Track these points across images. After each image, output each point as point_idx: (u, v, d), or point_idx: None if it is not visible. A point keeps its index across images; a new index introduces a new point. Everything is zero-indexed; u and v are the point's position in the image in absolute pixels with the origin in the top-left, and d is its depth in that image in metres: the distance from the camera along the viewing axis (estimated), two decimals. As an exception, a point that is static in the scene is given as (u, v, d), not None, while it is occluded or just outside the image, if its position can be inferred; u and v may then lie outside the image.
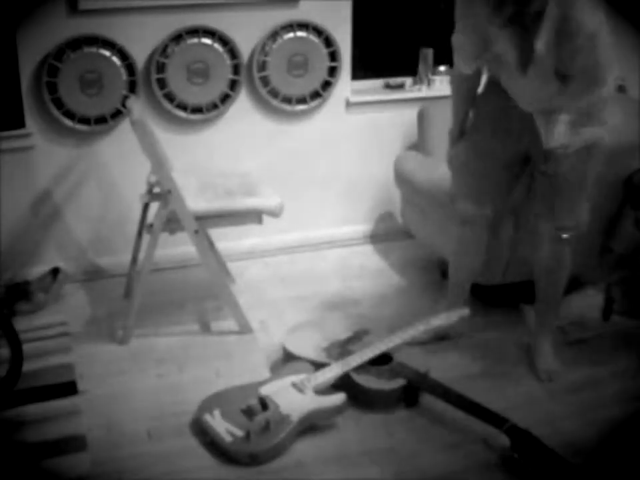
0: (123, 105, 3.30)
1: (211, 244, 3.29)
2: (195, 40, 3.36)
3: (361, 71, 3.83)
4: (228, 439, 2.34)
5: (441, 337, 2.98)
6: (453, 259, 3.01)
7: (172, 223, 2.93)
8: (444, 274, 3.36)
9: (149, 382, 2.75)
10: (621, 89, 3.77)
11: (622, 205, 3.21)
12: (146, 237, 3.05)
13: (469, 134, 2.80)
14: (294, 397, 2.48)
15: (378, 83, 3.95)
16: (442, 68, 3.90)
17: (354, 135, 3.82)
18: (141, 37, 3.31)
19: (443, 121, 3.69)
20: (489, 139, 2.70)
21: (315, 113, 3.72)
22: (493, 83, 2.66)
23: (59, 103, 3.25)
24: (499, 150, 2.69)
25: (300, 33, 3.52)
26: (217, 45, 3.40)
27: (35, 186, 3.37)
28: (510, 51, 2.38)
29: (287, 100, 3.62)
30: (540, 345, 2.85)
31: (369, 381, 2.60)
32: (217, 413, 2.43)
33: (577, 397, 2.66)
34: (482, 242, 2.89)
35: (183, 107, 3.46)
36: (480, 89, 2.77)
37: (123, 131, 3.33)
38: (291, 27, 3.51)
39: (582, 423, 2.51)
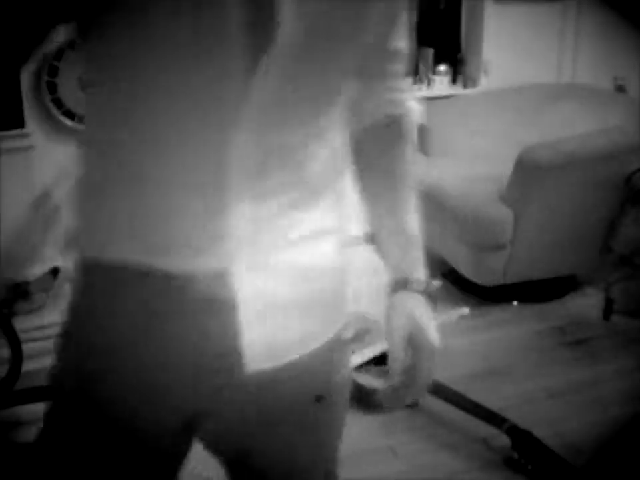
0: (123, 105, 3.29)
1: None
2: (195, 40, 3.36)
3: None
4: (228, 439, 2.34)
5: None
6: None
7: (172, 223, 2.92)
8: (444, 274, 3.35)
9: (149, 382, 2.75)
10: (621, 88, 3.77)
11: (622, 204, 3.21)
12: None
13: None
14: (294, 397, 2.48)
15: (378, 82, 3.95)
16: (442, 68, 3.90)
17: (354, 135, 3.81)
18: (141, 37, 3.30)
19: (443, 121, 3.70)
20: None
21: (315, 112, 3.72)
22: None
23: (58, 103, 3.25)
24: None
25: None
26: (216, 45, 3.39)
27: (34, 186, 3.36)
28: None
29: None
30: None
31: (369, 381, 2.60)
32: (216, 413, 2.43)
33: (577, 397, 2.66)
34: None
35: (183, 107, 3.45)
36: None
37: (123, 131, 3.32)
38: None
39: (582, 423, 2.51)
